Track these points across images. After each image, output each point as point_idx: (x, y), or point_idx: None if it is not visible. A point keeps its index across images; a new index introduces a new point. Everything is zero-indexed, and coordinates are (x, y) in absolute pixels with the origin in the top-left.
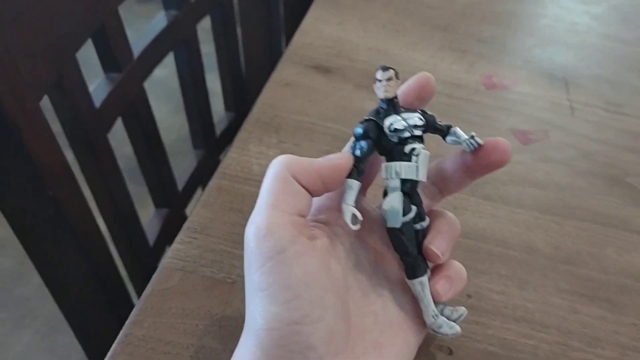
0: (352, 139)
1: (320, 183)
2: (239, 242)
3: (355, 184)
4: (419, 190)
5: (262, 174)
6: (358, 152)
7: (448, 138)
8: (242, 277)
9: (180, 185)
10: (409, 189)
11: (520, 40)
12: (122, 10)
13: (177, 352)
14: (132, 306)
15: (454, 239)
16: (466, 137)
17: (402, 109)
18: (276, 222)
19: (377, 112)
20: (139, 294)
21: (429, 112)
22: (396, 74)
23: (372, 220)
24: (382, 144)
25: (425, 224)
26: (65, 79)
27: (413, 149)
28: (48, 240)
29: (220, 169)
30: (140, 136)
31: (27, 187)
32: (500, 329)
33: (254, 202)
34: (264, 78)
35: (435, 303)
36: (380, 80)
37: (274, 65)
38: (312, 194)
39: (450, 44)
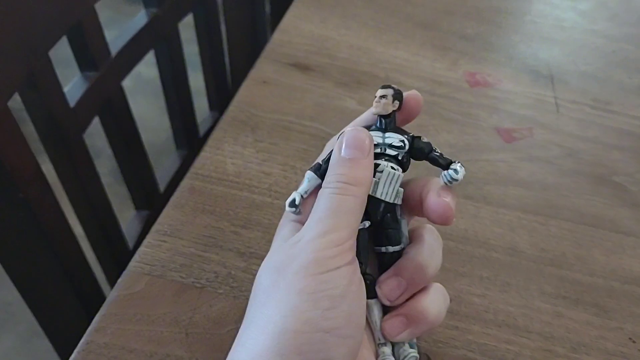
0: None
1: None
2: (210, 245)
3: (312, 177)
4: (399, 215)
5: (236, 174)
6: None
7: (445, 173)
8: (211, 281)
9: (162, 186)
10: (370, 204)
11: (504, 37)
12: (109, 10)
13: None
14: None
15: (418, 283)
16: (456, 178)
17: (392, 128)
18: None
19: (373, 125)
20: None
21: (425, 140)
22: (394, 95)
23: None
24: None
25: (393, 249)
26: (37, 77)
27: (377, 165)
28: (19, 243)
29: (192, 169)
30: (119, 135)
31: None
32: (481, 334)
33: (227, 203)
34: None
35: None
36: (375, 97)
37: None
38: None
39: (432, 41)
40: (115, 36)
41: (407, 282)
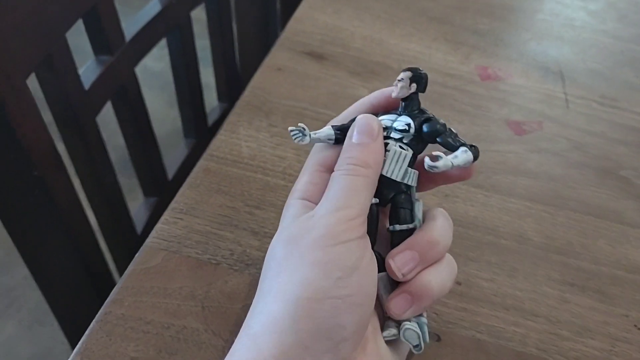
0: None
1: None
2: (225, 223)
3: (328, 129)
4: (412, 196)
5: (251, 157)
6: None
7: (425, 159)
8: (226, 258)
9: (170, 174)
10: (379, 182)
11: (516, 33)
12: (119, 3)
13: (157, 331)
14: None
15: (430, 258)
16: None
17: (407, 112)
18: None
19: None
20: None
21: (438, 124)
22: (412, 78)
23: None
24: None
25: (400, 227)
26: (54, 58)
27: (387, 145)
28: (33, 222)
29: (208, 151)
30: (130, 120)
31: (13, 166)
32: (489, 316)
33: (242, 184)
34: None
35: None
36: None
37: None
38: None
39: (445, 35)
40: (129, 23)
41: (420, 255)
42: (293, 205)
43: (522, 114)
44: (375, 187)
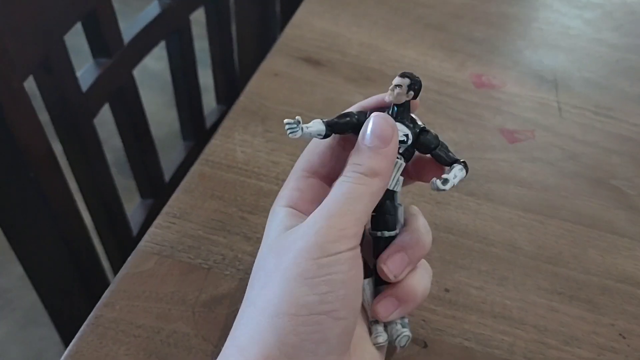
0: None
1: None
2: (218, 228)
3: (320, 127)
4: (396, 200)
5: (245, 162)
6: (341, 119)
7: (434, 180)
8: (217, 263)
9: (167, 176)
10: None
11: (511, 42)
12: (118, 3)
13: (147, 335)
14: None
15: (418, 257)
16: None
17: (400, 119)
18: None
19: (386, 110)
20: None
21: (431, 135)
22: (409, 86)
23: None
24: None
25: (389, 233)
26: (52, 60)
27: None
28: (28, 223)
29: (203, 156)
30: (128, 123)
31: (8, 167)
32: (477, 324)
33: (236, 189)
34: None
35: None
36: (391, 84)
37: None
38: None
39: (441, 42)
40: (128, 26)
41: (409, 256)
42: (278, 213)
43: (516, 123)
44: (380, 197)
